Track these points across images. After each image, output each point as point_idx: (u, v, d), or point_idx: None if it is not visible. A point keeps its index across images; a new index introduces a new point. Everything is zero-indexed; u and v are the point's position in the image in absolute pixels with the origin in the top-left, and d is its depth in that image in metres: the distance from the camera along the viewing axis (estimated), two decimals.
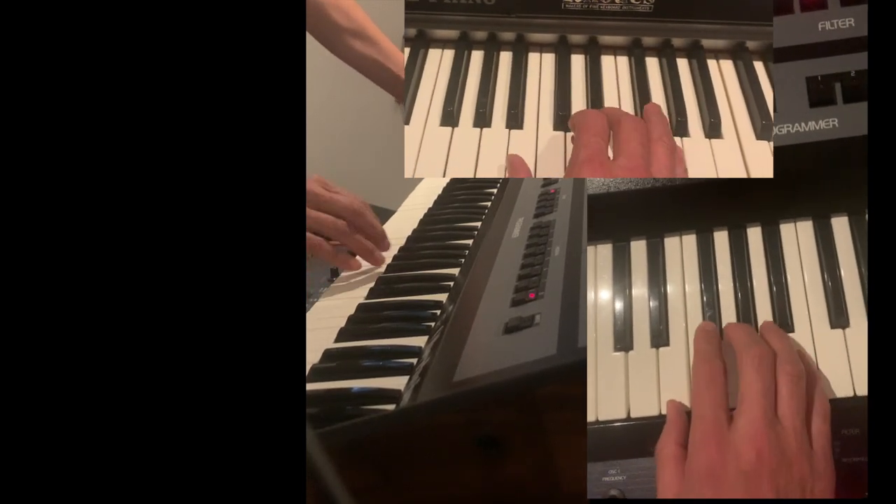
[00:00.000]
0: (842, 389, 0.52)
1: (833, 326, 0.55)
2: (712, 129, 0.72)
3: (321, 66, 1.23)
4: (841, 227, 0.59)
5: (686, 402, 0.55)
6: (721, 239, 0.61)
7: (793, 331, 0.56)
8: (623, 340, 0.60)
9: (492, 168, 0.69)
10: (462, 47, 0.80)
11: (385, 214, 1.15)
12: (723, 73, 0.79)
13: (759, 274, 0.59)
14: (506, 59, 0.80)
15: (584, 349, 0.55)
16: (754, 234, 0.60)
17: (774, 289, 0.58)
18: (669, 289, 0.60)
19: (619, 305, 0.61)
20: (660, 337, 0.58)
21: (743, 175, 0.68)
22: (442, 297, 0.79)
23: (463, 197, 1.14)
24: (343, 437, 0.54)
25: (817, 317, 0.56)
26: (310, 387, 0.64)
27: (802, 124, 0.57)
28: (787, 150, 0.57)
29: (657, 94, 0.75)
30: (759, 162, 0.69)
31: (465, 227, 0.99)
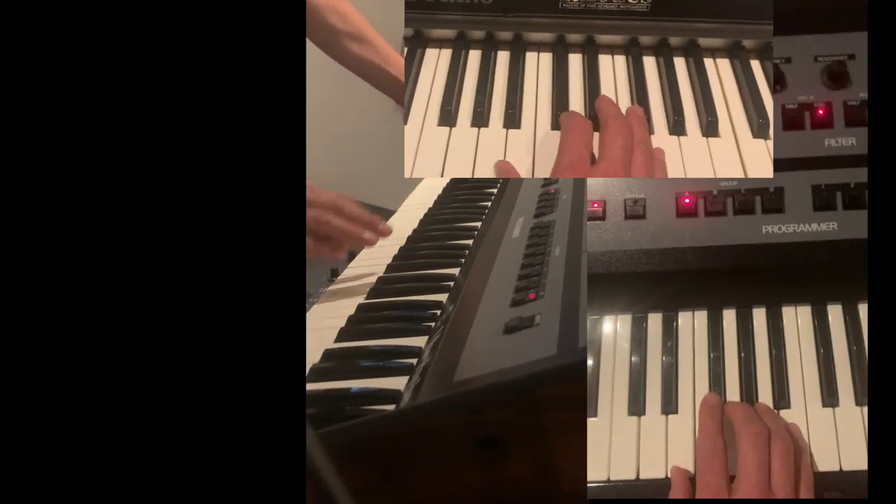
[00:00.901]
0: (829, 464, 0.58)
1: (825, 405, 0.61)
2: (709, 127, 0.72)
3: (321, 68, 1.23)
4: (836, 314, 0.66)
5: (690, 464, 0.60)
6: (729, 317, 0.68)
7: (789, 406, 0.62)
8: (636, 405, 0.64)
9: (490, 168, 0.69)
10: (459, 47, 0.81)
11: (385, 214, 1.15)
12: (720, 71, 0.79)
13: (761, 351, 0.65)
14: (503, 58, 0.80)
15: (584, 349, 0.55)
16: (759, 315, 0.67)
17: (774, 366, 0.64)
18: (680, 360, 0.66)
19: (634, 372, 0.67)
20: (669, 404, 0.64)
21: (740, 174, 0.68)
22: (442, 297, 0.79)
23: (463, 197, 1.14)
24: (343, 438, 0.54)
25: (811, 395, 0.62)
26: (310, 387, 0.64)
27: (806, 225, 0.65)
28: (792, 247, 0.65)
29: (654, 93, 0.76)
30: (756, 160, 0.70)
31: (465, 227, 0.99)
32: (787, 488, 0.54)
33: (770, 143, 0.71)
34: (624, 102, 0.75)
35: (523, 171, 0.68)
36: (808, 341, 0.64)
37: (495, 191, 1.11)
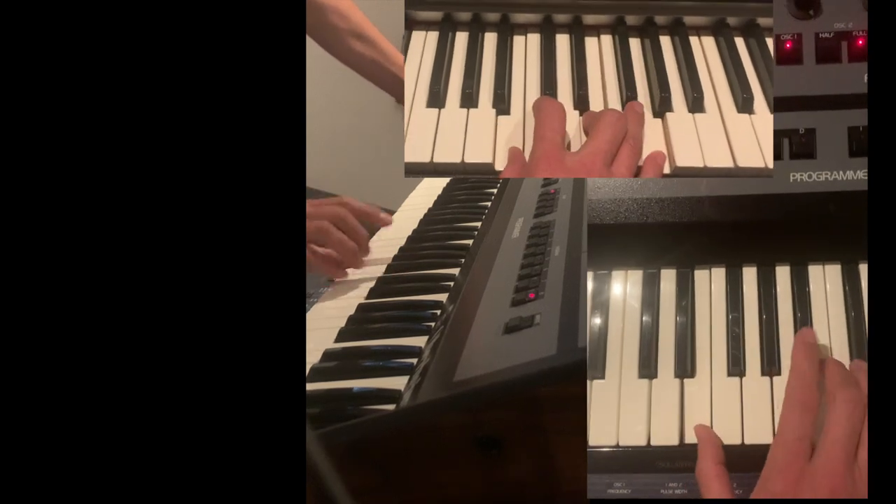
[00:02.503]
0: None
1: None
2: (695, 104, 0.73)
3: (321, 67, 1.23)
4: (865, 272, 0.60)
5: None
6: (749, 275, 0.63)
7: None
8: (647, 368, 0.61)
9: (480, 149, 0.69)
10: (446, 29, 0.81)
11: None
12: (704, 49, 0.80)
13: (784, 313, 0.60)
14: (490, 39, 0.80)
15: (584, 349, 0.55)
16: (783, 274, 0.62)
17: (798, 328, 0.59)
18: (696, 320, 0.61)
19: (646, 333, 0.62)
20: (684, 368, 0.60)
21: (727, 151, 0.68)
22: (442, 297, 0.79)
23: (463, 197, 1.14)
24: (343, 438, 0.54)
25: (839, 357, 0.57)
26: (310, 387, 0.64)
27: (840, 173, 0.59)
28: (824, 197, 0.59)
29: (640, 72, 0.76)
30: (741, 135, 0.70)
31: (465, 227, 0.99)
32: (864, 472, 0.48)
33: (755, 117, 0.72)
34: (611, 81, 0.76)
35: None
36: (838, 302, 0.59)
37: (495, 191, 1.11)
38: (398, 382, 0.63)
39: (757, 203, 0.59)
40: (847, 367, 0.54)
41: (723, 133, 0.71)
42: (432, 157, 0.68)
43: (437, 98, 0.73)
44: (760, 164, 0.67)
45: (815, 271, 0.60)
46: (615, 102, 0.74)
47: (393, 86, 1.20)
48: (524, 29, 0.82)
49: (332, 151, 2.25)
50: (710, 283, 0.62)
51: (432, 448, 0.53)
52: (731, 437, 0.56)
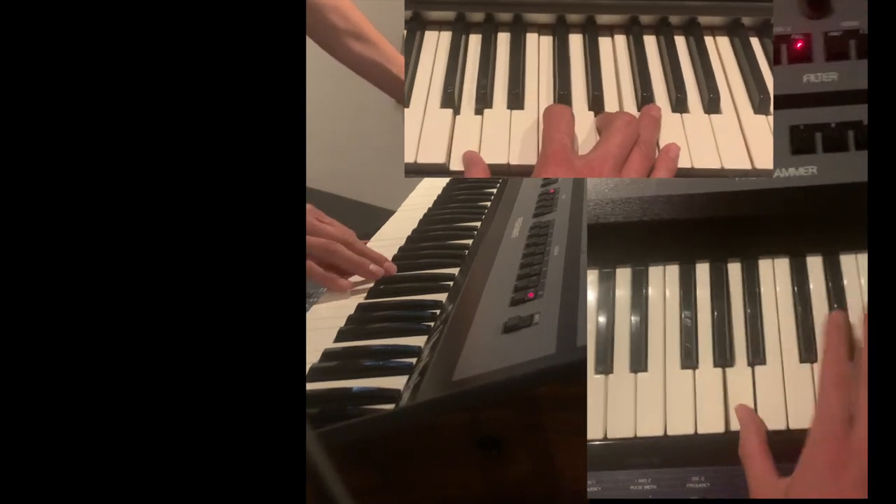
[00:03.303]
0: (807, 421, 0.54)
1: (802, 361, 0.58)
2: (711, 104, 0.72)
3: (321, 67, 1.23)
4: (815, 266, 0.62)
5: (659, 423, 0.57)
6: (702, 271, 0.64)
7: (764, 363, 0.58)
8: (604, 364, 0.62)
9: (496, 150, 0.68)
10: (459, 29, 0.80)
11: (385, 214, 1.15)
12: (720, 49, 0.79)
13: (736, 307, 0.61)
14: (504, 39, 0.80)
15: (584, 349, 0.55)
16: (734, 269, 0.63)
17: (749, 322, 0.60)
18: (650, 317, 0.63)
19: (602, 330, 0.63)
20: (639, 363, 0.61)
21: (744, 152, 0.68)
22: (441, 296, 0.79)
23: (463, 197, 1.14)
24: (343, 437, 0.54)
25: (788, 352, 0.59)
26: (310, 387, 0.64)
27: (783, 170, 0.60)
28: (769, 194, 0.60)
29: (656, 72, 0.76)
30: (758, 136, 0.70)
31: (464, 226, 0.99)
32: None
33: (772, 118, 0.71)
34: (626, 82, 0.75)
35: (527, 155, 0.67)
36: (786, 295, 0.60)
37: (495, 191, 1.11)
38: (398, 382, 0.63)
39: (707, 200, 0.61)
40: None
41: (740, 134, 0.70)
42: (448, 160, 0.68)
43: (451, 99, 0.73)
44: (771, 166, 0.67)
45: (764, 265, 0.62)
46: (630, 103, 0.73)
47: (392, 86, 1.20)
48: (537, 29, 0.81)
49: (332, 151, 2.25)
50: (664, 278, 0.64)
51: (432, 448, 0.53)
52: (685, 428, 0.58)
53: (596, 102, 0.72)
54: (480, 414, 0.52)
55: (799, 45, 0.62)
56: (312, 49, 1.19)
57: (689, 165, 0.67)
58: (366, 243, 1.00)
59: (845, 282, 0.61)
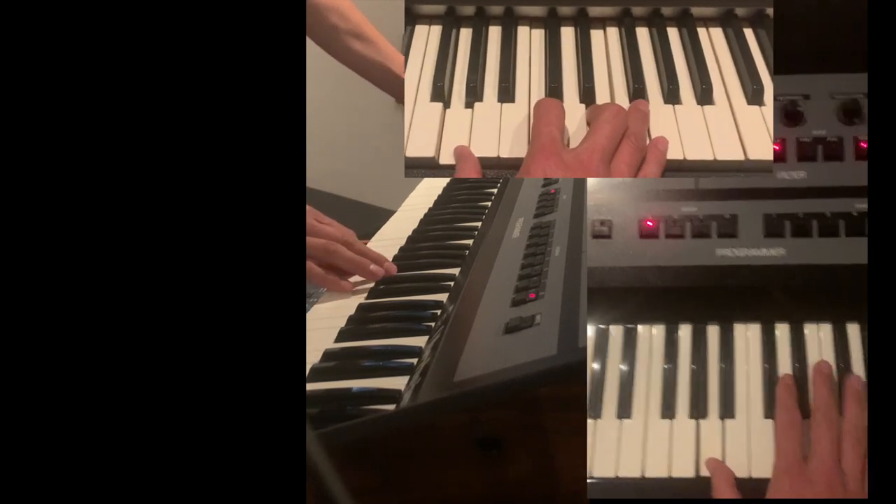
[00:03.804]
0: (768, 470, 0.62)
1: (766, 416, 0.65)
2: (704, 95, 0.72)
3: (321, 67, 1.23)
4: (783, 332, 0.71)
5: (638, 468, 0.64)
6: (685, 331, 0.73)
7: (734, 417, 0.66)
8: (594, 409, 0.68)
9: (486, 144, 0.68)
10: (450, 23, 0.80)
11: (385, 214, 1.15)
12: (713, 40, 0.79)
13: (712, 364, 0.70)
14: (495, 33, 0.79)
15: (584, 349, 0.55)
16: (712, 332, 0.72)
17: (723, 378, 0.69)
18: (637, 369, 0.71)
19: (595, 379, 0.70)
20: (625, 409, 0.68)
21: (737, 144, 0.69)
22: (442, 297, 0.79)
23: (463, 197, 1.14)
24: (343, 438, 0.54)
25: (754, 407, 0.67)
26: (310, 387, 0.64)
27: (756, 250, 0.71)
28: (742, 269, 0.70)
29: (648, 64, 0.76)
30: (752, 126, 0.70)
31: (465, 227, 0.99)
32: (857, 471, 0.57)
33: (765, 109, 0.72)
34: (618, 73, 0.75)
35: (518, 148, 0.67)
36: (756, 357, 0.69)
37: (495, 191, 1.11)
38: (398, 382, 0.63)
39: (691, 272, 0.71)
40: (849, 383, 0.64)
41: (733, 125, 0.70)
42: (438, 154, 0.68)
43: (440, 93, 0.72)
44: (771, 157, 0.67)
45: (739, 329, 0.71)
46: (622, 95, 0.73)
47: (392, 86, 1.20)
48: (529, 22, 0.81)
49: (332, 151, 2.25)
50: (651, 336, 0.72)
51: (432, 448, 0.53)
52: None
53: (587, 95, 0.72)
54: (481, 414, 0.52)
55: (776, 147, 0.72)
56: (312, 49, 1.19)
57: (681, 157, 0.67)
58: (366, 243, 1.00)
59: (808, 348, 0.69)
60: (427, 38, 0.79)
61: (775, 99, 0.73)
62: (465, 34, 0.80)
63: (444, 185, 1.22)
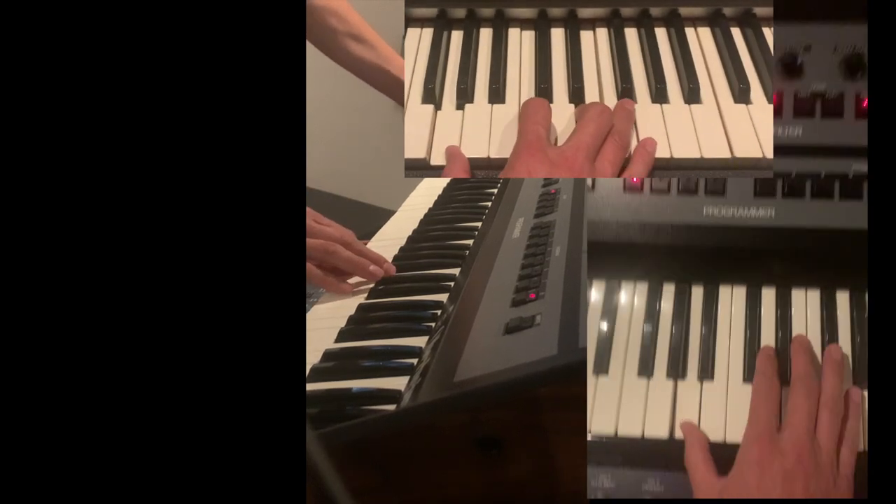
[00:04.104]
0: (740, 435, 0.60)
1: (745, 380, 0.64)
2: (691, 94, 0.73)
3: (321, 68, 1.23)
4: (769, 297, 0.69)
5: (612, 425, 0.63)
6: (668, 291, 0.72)
7: (712, 379, 0.65)
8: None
9: (476, 144, 0.69)
10: (441, 26, 0.81)
11: (385, 214, 1.15)
12: (701, 40, 0.80)
13: (694, 326, 0.69)
14: (486, 35, 0.80)
15: (585, 349, 0.55)
16: (696, 293, 0.71)
17: (703, 342, 0.68)
18: (616, 327, 0.70)
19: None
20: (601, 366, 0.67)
21: (724, 142, 0.69)
22: (442, 297, 0.79)
23: (463, 197, 1.14)
24: (343, 438, 0.54)
25: (734, 371, 0.66)
26: (310, 387, 0.64)
27: (745, 209, 0.68)
28: (730, 229, 0.68)
29: (636, 63, 0.76)
30: (738, 125, 0.70)
31: (465, 227, 0.99)
32: (830, 442, 0.57)
33: (752, 107, 0.72)
34: (607, 74, 0.75)
35: (507, 148, 0.68)
36: (739, 320, 0.67)
37: (495, 191, 1.11)
38: (398, 383, 0.63)
39: (678, 230, 0.69)
40: (819, 355, 0.64)
41: (720, 124, 0.70)
42: (429, 155, 0.68)
43: (431, 95, 0.73)
44: (758, 155, 0.67)
45: (724, 291, 0.70)
46: (610, 95, 0.73)
47: (391, 88, 1.19)
48: (519, 24, 0.81)
49: (332, 151, 2.25)
50: (634, 295, 0.71)
51: (432, 448, 0.53)
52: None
53: (576, 95, 0.72)
54: (481, 414, 0.52)
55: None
56: (312, 49, 1.19)
57: (668, 155, 0.67)
58: (366, 243, 1.00)
59: (793, 312, 0.68)
60: (419, 40, 0.80)
61: (774, 50, 0.71)
62: (457, 36, 0.80)
63: (444, 185, 1.22)
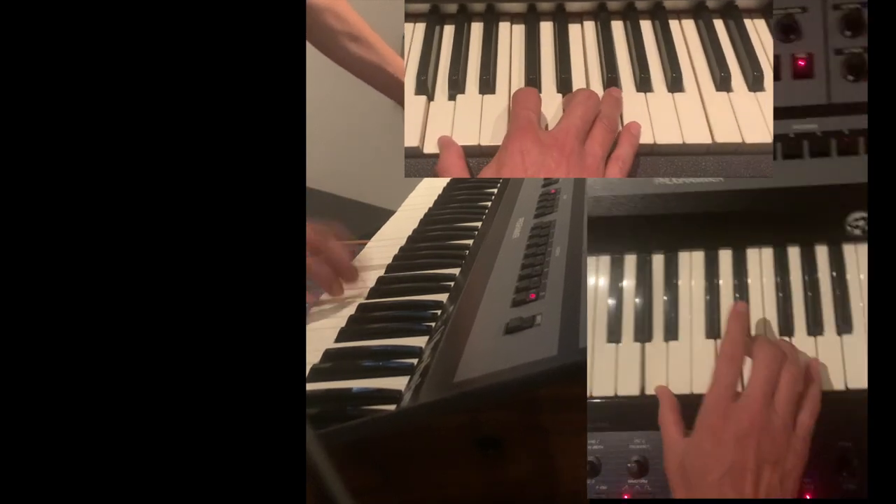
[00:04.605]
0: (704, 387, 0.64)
1: (707, 337, 0.69)
2: (674, 83, 0.74)
3: (321, 67, 1.23)
4: (725, 258, 0.73)
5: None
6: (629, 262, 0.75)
7: (677, 339, 0.69)
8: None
9: (468, 133, 0.70)
10: (433, 21, 0.82)
11: (385, 214, 1.15)
12: (685, 31, 0.82)
13: (657, 292, 0.72)
14: (477, 29, 0.82)
15: (585, 350, 0.55)
16: (657, 261, 0.74)
17: (668, 305, 0.71)
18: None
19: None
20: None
21: (705, 128, 0.71)
22: (442, 297, 0.79)
23: (463, 197, 1.14)
24: (343, 438, 0.54)
25: (696, 330, 0.70)
26: (310, 387, 0.64)
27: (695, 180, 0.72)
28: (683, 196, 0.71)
29: (622, 54, 0.78)
30: (720, 112, 0.72)
31: (465, 227, 0.99)
32: (788, 406, 0.59)
33: (733, 95, 0.74)
34: (593, 64, 0.77)
35: (498, 136, 0.69)
36: (699, 282, 0.71)
37: (495, 191, 1.11)
38: (398, 383, 0.63)
39: (635, 200, 0.72)
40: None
41: (701, 111, 0.72)
42: (422, 144, 0.68)
43: (424, 87, 0.73)
44: (737, 140, 0.69)
45: (683, 257, 0.73)
46: (597, 84, 0.75)
47: (390, 88, 1.19)
48: (509, 18, 0.83)
49: (332, 151, 2.24)
50: (597, 269, 0.74)
51: (432, 448, 0.53)
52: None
53: (564, 85, 0.74)
54: (481, 415, 0.52)
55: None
56: (312, 49, 1.19)
57: (651, 141, 0.69)
58: (365, 244, 1.00)
59: (749, 277, 0.71)
60: (412, 35, 0.81)
61: (773, 12, 0.72)
62: (449, 31, 0.81)
63: (444, 185, 1.22)
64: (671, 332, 0.69)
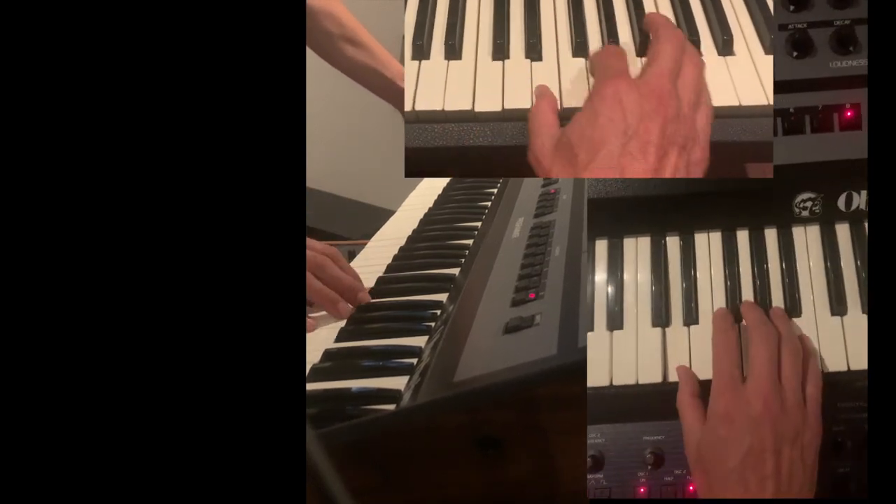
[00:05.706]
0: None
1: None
2: (642, 48, 0.71)
3: (321, 68, 1.23)
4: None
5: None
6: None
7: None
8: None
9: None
10: None
11: (385, 214, 1.15)
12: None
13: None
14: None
15: (584, 349, 0.55)
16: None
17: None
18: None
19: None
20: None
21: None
22: (442, 297, 0.79)
23: (463, 197, 1.14)
24: (343, 438, 0.54)
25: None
26: (310, 387, 0.64)
27: None
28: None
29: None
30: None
31: (465, 227, 0.99)
32: (794, 381, 0.59)
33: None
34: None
35: (462, 101, 0.66)
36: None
37: (495, 191, 1.11)
38: (398, 382, 0.63)
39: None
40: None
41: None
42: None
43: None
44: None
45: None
46: (566, 50, 0.72)
47: (387, 91, 1.19)
48: None
49: (332, 151, 2.24)
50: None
51: (432, 448, 0.53)
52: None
53: (532, 49, 0.71)
54: (481, 414, 0.52)
55: None
56: (312, 52, 1.19)
57: None
58: (365, 244, 1.00)
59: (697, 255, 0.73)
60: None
61: None
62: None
63: (444, 185, 1.22)
64: (691, 317, 0.69)
